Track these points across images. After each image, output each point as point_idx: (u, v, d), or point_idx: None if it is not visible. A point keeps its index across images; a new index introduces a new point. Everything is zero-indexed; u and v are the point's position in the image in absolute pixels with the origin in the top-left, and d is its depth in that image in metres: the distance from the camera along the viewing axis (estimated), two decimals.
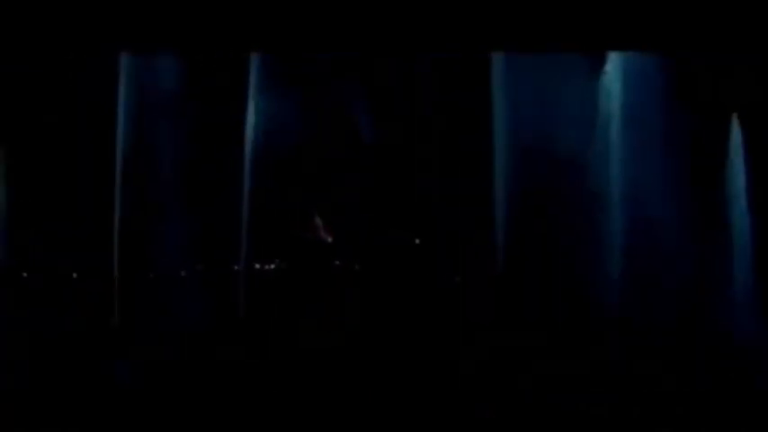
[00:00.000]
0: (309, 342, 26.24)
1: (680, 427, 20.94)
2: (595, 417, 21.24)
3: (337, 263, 29.08)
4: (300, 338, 26.54)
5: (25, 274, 28.99)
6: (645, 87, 26.74)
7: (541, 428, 21.57)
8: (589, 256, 26.60)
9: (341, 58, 27.73)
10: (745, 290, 26.25)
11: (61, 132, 29.00)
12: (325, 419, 22.21)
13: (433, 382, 23.91)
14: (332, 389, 23.61)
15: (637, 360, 24.18)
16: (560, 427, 21.39)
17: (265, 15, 24.87)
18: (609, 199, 26.97)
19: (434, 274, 28.50)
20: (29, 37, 25.55)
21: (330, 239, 29.07)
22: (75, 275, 29.14)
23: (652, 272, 26.18)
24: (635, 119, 27.01)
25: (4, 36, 25.58)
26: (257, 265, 28.97)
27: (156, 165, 28.15)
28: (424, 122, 28.85)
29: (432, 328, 26.78)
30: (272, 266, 29.33)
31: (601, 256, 26.65)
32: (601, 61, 27.23)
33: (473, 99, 27.86)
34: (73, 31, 25.22)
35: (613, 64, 27.25)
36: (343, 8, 24.67)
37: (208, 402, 23.08)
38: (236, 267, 28.60)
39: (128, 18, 25.05)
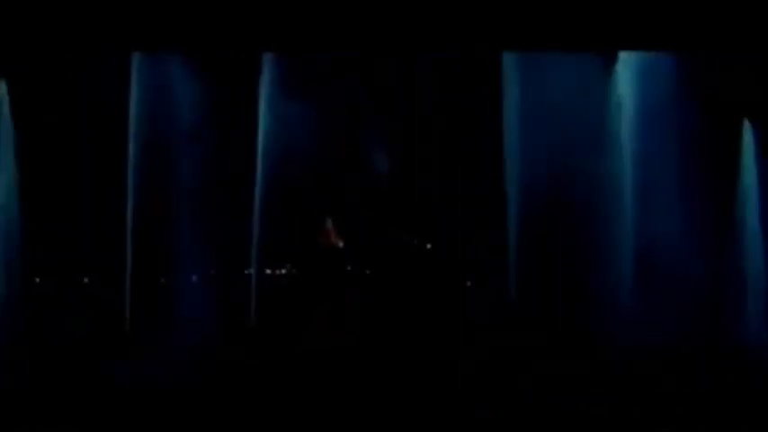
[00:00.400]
0: (319, 345, 26.17)
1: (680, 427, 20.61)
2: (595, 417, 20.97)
3: (348, 268, 29.02)
4: (310, 341, 26.48)
5: (37, 280, 29.18)
6: (656, 88, 26.53)
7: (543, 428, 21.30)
8: (600, 258, 26.38)
9: (351, 62, 27.74)
10: (757, 290, 25.98)
11: (73, 138, 29.18)
12: (331, 419, 22.08)
13: (443, 382, 23.75)
14: (340, 390, 23.50)
15: (644, 362, 23.91)
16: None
17: (274, 16, 24.86)
18: (620, 199, 26.74)
19: (445, 278, 28.39)
20: (44, 38, 25.70)
21: (341, 244, 29.00)
22: (86, 280, 29.31)
23: (663, 274, 25.91)
24: (646, 119, 26.78)
25: (21, 40, 25.86)
26: (268, 270, 28.98)
27: (168, 169, 28.22)
28: (432, 126, 28.79)
29: (443, 332, 26.65)
30: (284, 271, 29.34)
31: (612, 258, 26.43)
32: (611, 61, 27.05)
33: (483, 102, 27.74)
34: (86, 31, 25.33)
35: (624, 64, 27.05)
36: (354, 9, 24.64)
37: (219, 405, 23.02)
38: (247, 272, 28.60)
39: (139, 19, 25.11)
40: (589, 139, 26.55)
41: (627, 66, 27.05)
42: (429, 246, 29.18)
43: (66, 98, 29.11)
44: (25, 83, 28.37)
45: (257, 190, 28.27)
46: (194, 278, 28.80)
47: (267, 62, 28.23)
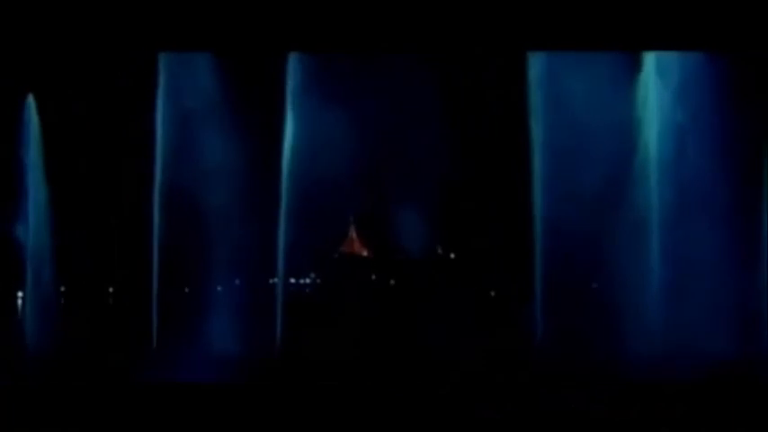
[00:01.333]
0: (340, 353, 26.16)
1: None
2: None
3: (373, 277, 29.03)
4: (331, 349, 26.48)
5: (63, 288, 29.34)
6: (685, 89, 26.36)
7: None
8: (629, 267, 26.19)
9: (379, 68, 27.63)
10: None
11: (100, 148, 29.37)
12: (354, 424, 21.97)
13: (467, 391, 23.66)
14: (362, 397, 23.43)
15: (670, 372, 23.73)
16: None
17: (299, 15, 24.75)
18: (649, 211, 26.54)
19: (469, 288, 28.29)
20: (70, 41, 25.71)
21: (365, 254, 29.02)
22: (111, 289, 29.45)
23: (692, 281, 25.72)
24: (674, 122, 26.57)
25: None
26: (293, 280, 28.99)
27: (195, 178, 28.26)
28: (460, 136, 28.70)
29: (468, 341, 26.59)
30: (308, 281, 29.36)
31: (641, 267, 26.25)
32: (638, 63, 26.87)
33: (511, 109, 27.59)
34: (112, 32, 25.29)
35: (651, 65, 26.85)
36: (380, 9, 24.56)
37: (244, 411, 22.97)
38: (271, 282, 28.58)
39: (166, 19, 25.04)
40: (616, 151, 26.41)
41: (654, 69, 26.84)
42: (453, 255, 29.15)
43: (92, 109, 29.30)
44: (52, 95, 28.61)
45: (282, 200, 28.21)
46: (219, 288, 28.82)
47: (293, 63, 28.05)
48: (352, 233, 28.85)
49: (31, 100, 28.37)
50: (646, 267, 26.30)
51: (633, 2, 24.49)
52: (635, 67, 26.73)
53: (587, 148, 26.08)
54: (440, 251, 29.02)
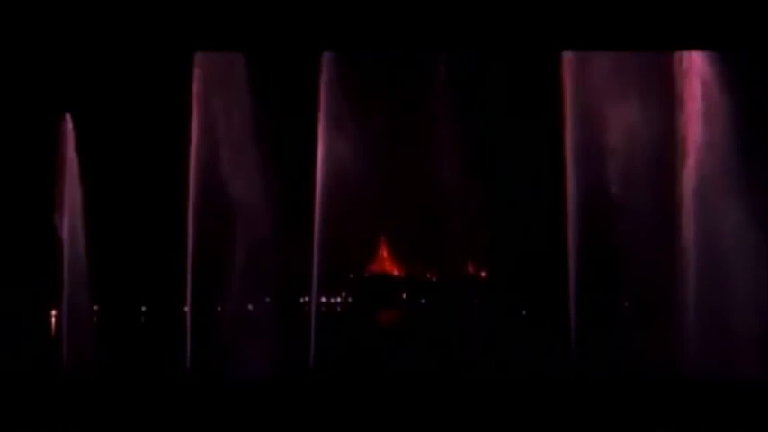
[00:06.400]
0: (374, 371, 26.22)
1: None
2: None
3: (404, 296, 29.08)
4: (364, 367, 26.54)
5: (96, 307, 29.46)
6: (722, 86, 26.25)
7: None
8: (665, 284, 26.06)
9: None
10: None
11: (135, 172, 29.56)
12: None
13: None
14: (392, 411, 23.44)
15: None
16: None
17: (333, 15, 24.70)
18: (686, 228, 26.38)
19: (500, 307, 28.33)
20: (106, 46, 25.67)
21: (396, 272, 29.09)
22: (143, 309, 29.57)
23: (730, 295, 25.59)
24: (712, 120, 26.43)
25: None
26: (324, 299, 29.04)
27: (227, 196, 28.35)
28: (493, 156, 28.79)
29: (500, 359, 26.60)
30: (339, 299, 29.41)
31: (677, 283, 26.12)
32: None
33: (546, 130, 27.55)
34: (148, 32, 25.25)
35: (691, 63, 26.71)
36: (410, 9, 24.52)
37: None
38: (302, 300, 28.64)
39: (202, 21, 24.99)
40: (654, 169, 26.32)
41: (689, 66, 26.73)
42: (483, 274, 29.20)
43: (127, 128, 29.49)
44: (89, 115, 28.79)
45: (315, 218, 28.25)
46: (250, 306, 28.88)
47: (326, 90, 28.11)
48: (383, 252, 28.91)
49: (68, 117, 28.58)
50: (682, 284, 26.17)
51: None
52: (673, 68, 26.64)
53: (623, 168, 26.07)
54: (471, 270, 29.07)
